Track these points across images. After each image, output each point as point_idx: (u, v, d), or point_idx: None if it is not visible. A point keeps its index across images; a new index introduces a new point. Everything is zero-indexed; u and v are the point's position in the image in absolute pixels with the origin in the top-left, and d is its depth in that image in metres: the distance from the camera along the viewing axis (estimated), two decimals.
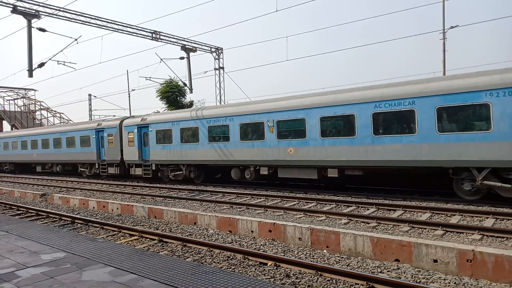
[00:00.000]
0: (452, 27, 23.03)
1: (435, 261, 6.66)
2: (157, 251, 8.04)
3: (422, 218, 9.11)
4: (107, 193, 16.93)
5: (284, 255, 7.42)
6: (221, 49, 26.09)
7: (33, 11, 16.20)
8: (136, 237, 9.36)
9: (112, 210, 13.61)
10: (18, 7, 15.54)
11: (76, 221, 11.64)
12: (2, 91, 49.73)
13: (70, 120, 44.71)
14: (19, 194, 18.80)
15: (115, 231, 10.10)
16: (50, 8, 16.99)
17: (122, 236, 9.66)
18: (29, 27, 15.99)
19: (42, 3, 16.36)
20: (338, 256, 7.44)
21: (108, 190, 17.62)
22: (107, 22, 18.99)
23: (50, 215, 12.77)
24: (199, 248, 8.00)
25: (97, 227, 10.72)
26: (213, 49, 25.80)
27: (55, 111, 49.74)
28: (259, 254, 7.21)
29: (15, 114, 50.13)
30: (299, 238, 8.60)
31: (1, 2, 14.82)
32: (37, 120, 49.63)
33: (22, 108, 51.04)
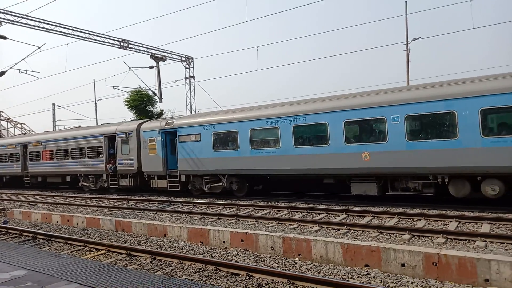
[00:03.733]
0: (414, 39, 24.12)
1: (403, 265, 6.83)
2: (125, 265, 7.76)
3: (390, 224, 9.35)
4: (71, 206, 16.24)
5: (256, 265, 7.38)
6: (192, 58, 25.99)
7: None
8: (102, 252, 9.01)
9: (77, 224, 13.06)
10: None
11: (38, 236, 11.06)
12: None
13: (32, 131, 42.78)
14: None
15: (81, 246, 9.67)
16: (11, 15, 16.31)
17: (88, 251, 9.27)
18: None
19: (3, 9, 15.67)
20: (310, 264, 7.47)
21: (73, 203, 16.91)
22: (73, 29, 18.46)
23: (10, 231, 12.06)
24: (169, 261, 7.79)
25: (61, 242, 10.23)
26: (183, 58, 25.64)
27: (15, 121, 47.46)
28: (231, 265, 7.12)
29: None
30: (271, 247, 8.58)
31: None
32: None
33: None
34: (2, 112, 48.92)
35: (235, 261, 7.66)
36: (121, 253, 8.68)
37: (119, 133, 19.09)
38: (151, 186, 17.96)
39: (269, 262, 7.58)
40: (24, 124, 46.89)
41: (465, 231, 8.20)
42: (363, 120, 12.03)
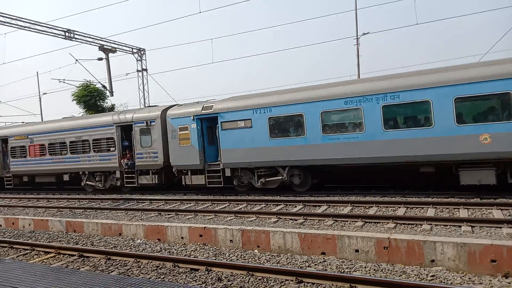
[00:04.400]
0: (364, 34, 25.06)
1: (357, 251, 7.14)
2: (77, 267, 7.40)
3: (344, 212, 9.71)
4: (16, 208, 15.15)
5: (215, 259, 7.35)
6: (144, 50, 25.11)
7: None
8: (52, 255, 8.52)
9: (24, 227, 12.25)
10: None
11: None
12: None
13: None
14: None
15: (28, 249, 9.08)
16: None
17: (36, 254, 8.72)
18: None
19: None
20: (269, 255, 7.59)
21: (18, 204, 15.79)
22: (11, 18, 17.06)
23: None
24: (125, 260, 7.54)
25: (5, 247, 9.52)
26: (134, 50, 24.69)
27: None
28: (189, 261, 7.04)
29: None
30: (230, 240, 8.60)
31: None
32: None
33: None
34: None
35: (194, 257, 7.58)
36: (73, 255, 8.27)
37: (137, 122, 15.94)
38: (184, 184, 15.28)
39: (229, 256, 7.59)
40: None
41: (412, 215, 8.71)
42: (481, 95, 10.04)
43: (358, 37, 24.77)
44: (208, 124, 14.90)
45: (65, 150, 18.16)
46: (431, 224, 7.89)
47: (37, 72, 33.65)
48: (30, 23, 17.86)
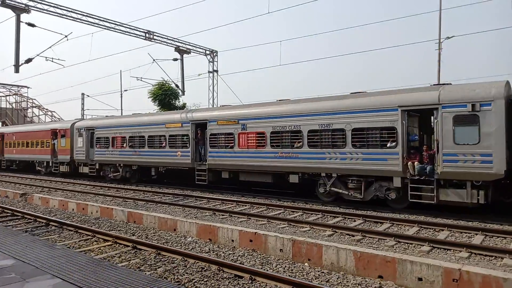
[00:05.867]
0: (448, 38, 22.88)
1: (420, 279, 6.29)
2: (128, 258, 7.59)
3: (409, 233, 8.75)
4: (89, 194, 16.41)
5: (261, 268, 7.01)
6: (216, 52, 25.81)
7: (23, 5, 15.79)
8: (109, 243, 8.90)
9: (91, 213, 13.11)
10: (7, 1, 15.12)
11: (51, 223, 11.14)
12: None
13: (61, 119, 43.98)
14: (0, 193, 18.20)
15: (89, 235, 9.62)
16: (40, 3, 16.60)
17: (95, 241, 9.19)
18: (18, 21, 15.59)
19: None
20: (319, 271, 7.04)
21: (90, 191, 17.10)
22: (99, 19, 18.63)
23: (26, 216, 12.25)
24: (173, 257, 7.55)
25: (72, 230, 10.23)
26: (207, 52, 25.51)
27: (46, 109, 49.07)
28: (234, 266, 6.79)
29: (6, 111, 49.41)
30: (280, 250, 8.19)
31: None
32: (28, 118, 48.95)
33: (13, 105, 50.34)
34: (34, 99, 50.75)
35: (240, 262, 7.33)
36: (127, 246, 8.53)
37: (450, 105, 10.28)
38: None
39: (276, 266, 7.19)
40: (54, 112, 48.44)
41: (492, 246, 7.51)
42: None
43: (441, 41, 22.71)
44: None
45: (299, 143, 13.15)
46: None
47: (120, 71, 36.61)
48: (115, 24, 19.33)
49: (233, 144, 15.02)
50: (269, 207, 12.43)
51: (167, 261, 7.41)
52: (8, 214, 12.78)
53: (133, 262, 7.34)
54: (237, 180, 15.80)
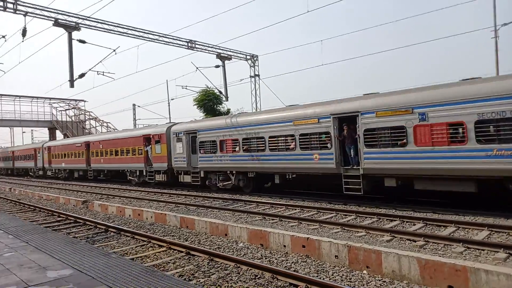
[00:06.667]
0: (505, 24, 20.98)
1: None
2: (183, 265, 7.64)
3: (478, 238, 7.98)
4: (143, 201, 17.02)
5: (317, 276, 6.71)
6: (257, 56, 25.82)
7: (73, 23, 16.81)
8: (164, 249, 9.05)
9: (147, 219, 13.53)
10: (59, 20, 16.17)
11: (110, 229, 11.62)
12: (54, 102, 53.02)
13: (116, 129, 46.38)
14: (63, 201, 19.47)
15: (145, 241, 9.88)
16: (89, 19, 17.57)
17: (151, 247, 9.40)
18: (70, 39, 16.59)
19: (81, 15, 16.95)
20: (380, 279, 6.59)
21: (145, 198, 17.73)
22: (144, 32, 19.35)
23: (87, 223, 12.91)
24: (226, 264, 7.48)
25: (129, 236, 10.58)
26: (248, 57, 25.59)
27: (102, 120, 52.15)
28: (289, 274, 6.56)
29: (67, 124, 53.25)
30: (335, 256, 7.82)
31: (43, 16, 15.49)
32: (86, 129, 52.34)
33: (72, 118, 54.13)
34: (91, 112, 54.18)
35: (294, 270, 7.07)
36: (181, 251, 8.62)
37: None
38: None
39: (332, 274, 6.85)
40: (109, 123, 51.33)
41: None
42: None
43: (497, 28, 20.90)
44: None
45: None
46: None
47: (166, 80, 37.95)
48: (159, 35, 19.99)
49: (405, 141, 11.48)
50: (320, 210, 12.05)
51: (220, 267, 7.35)
52: (71, 221, 13.57)
53: (187, 268, 7.37)
54: (409, 189, 11.97)
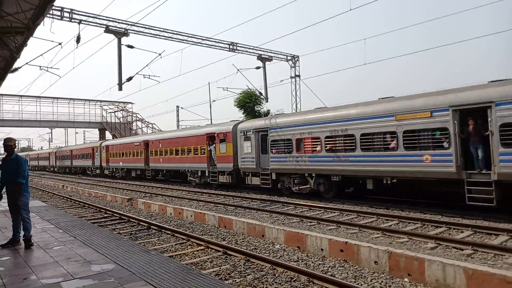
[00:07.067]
0: None
1: None
2: (219, 264, 7.75)
3: None
4: (184, 199, 17.49)
5: (355, 281, 6.52)
6: (297, 57, 25.67)
7: (123, 30, 17.69)
8: (202, 247, 9.23)
9: (186, 217, 13.89)
10: (110, 27, 17.08)
11: (152, 227, 12.06)
12: (104, 104, 56.12)
13: (160, 130, 48.11)
14: (110, 198, 20.51)
15: (184, 239, 10.14)
16: (137, 26, 18.40)
17: (189, 245, 9.63)
18: (119, 44, 17.47)
19: (129, 22, 17.81)
20: None
21: (185, 197, 18.21)
22: (187, 36, 19.92)
23: (131, 220, 13.50)
24: (262, 265, 7.49)
25: (169, 234, 10.92)
26: (289, 57, 25.50)
27: (148, 121, 54.39)
28: (325, 278, 6.43)
29: (115, 125, 56.14)
30: (375, 262, 7.56)
31: (96, 23, 16.46)
32: (133, 130, 54.86)
33: (121, 119, 56.96)
34: (137, 113, 56.71)
35: (331, 274, 6.93)
36: (218, 251, 8.75)
37: None
38: None
39: (371, 280, 6.63)
40: (154, 124, 53.43)
41: None
42: None
43: None
44: None
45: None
46: None
47: (208, 82, 38.76)
48: (201, 39, 20.49)
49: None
50: (360, 214, 11.72)
51: (256, 268, 7.36)
52: (116, 217, 14.25)
53: (223, 268, 7.46)
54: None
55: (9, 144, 7.23)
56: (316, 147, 14.95)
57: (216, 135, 20.77)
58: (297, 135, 15.68)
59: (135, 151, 30.14)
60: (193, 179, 23.24)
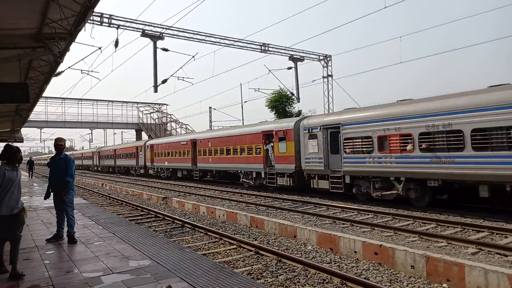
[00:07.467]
0: None
1: None
2: (251, 263, 7.80)
3: None
4: (216, 199, 17.75)
5: (390, 285, 6.35)
6: (330, 56, 25.32)
7: (158, 33, 18.23)
8: (234, 246, 9.33)
9: (219, 217, 14.09)
10: (146, 31, 17.66)
11: (186, 225, 12.33)
12: (140, 106, 58.06)
13: (194, 131, 49.06)
14: (147, 196, 21.18)
15: (217, 238, 10.29)
16: (172, 29, 18.90)
17: (222, 244, 9.76)
18: (155, 47, 18.02)
19: (165, 25, 18.35)
20: None
21: (218, 196, 18.47)
22: (220, 38, 20.22)
23: (166, 218, 13.88)
24: (294, 266, 7.45)
25: (202, 232, 11.12)
26: (321, 57, 25.22)
27: (181, 122, 55.72)
28: (359, 281, 6.30)
29: (151, 126, 57.94)
30: (411, 266, 7.31)
31: (133, 27, 17.09)
32: (168, 131, 56.37)
33: (156, 120, 58.71)
34: (172, 114, 58.21)
35: (365, 277, 6.78)
36: (250, 250, 8.81)
37: None
38: None
39: (407, 285, 6.42)
40: (188, 125, 54.62)
41: None
42: None
43: None
44: None
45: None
46: None
47: (240, 84, 39.18)
48: (234, 40, 20.72)
49: None
50: (395, 217, 11.38)
51: (288, 269, 7.34)
52: (152, 215, 14.70)
53: (255, 267, 7.50)
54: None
55: (59, 143, 7.67)
56: (406, 146, 12.76)
57: (274, 133, 18.87)
58: (379, 131, 13.50)
59: (182, 151, 28.95)
60: (247, 181, 21.53)
